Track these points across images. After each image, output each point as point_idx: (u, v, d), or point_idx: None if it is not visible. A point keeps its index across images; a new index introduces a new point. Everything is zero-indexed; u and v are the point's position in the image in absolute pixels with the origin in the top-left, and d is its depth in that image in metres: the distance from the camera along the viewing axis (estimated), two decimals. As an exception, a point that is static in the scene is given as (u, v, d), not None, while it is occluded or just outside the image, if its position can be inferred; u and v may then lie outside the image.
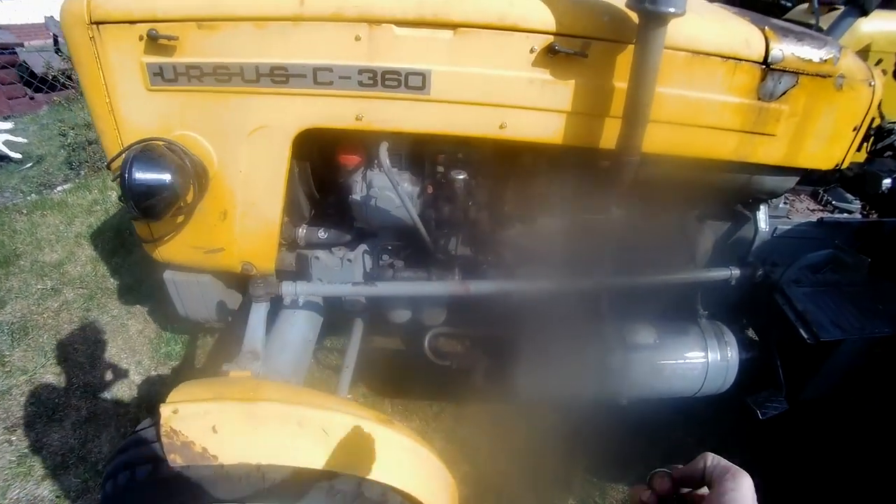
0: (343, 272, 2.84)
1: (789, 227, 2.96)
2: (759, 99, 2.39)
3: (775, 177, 2.67)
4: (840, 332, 2.67)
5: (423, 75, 2.20)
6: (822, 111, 2.48)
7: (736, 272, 2.81)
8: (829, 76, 2.40)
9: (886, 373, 2.89)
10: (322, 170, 2.70)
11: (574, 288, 2.68)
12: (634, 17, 2.10)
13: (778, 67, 2.33)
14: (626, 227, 2.78)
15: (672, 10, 1.93)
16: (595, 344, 2.78)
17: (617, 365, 2.76)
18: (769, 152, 2.54)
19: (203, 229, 2.51)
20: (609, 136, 2.35)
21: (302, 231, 2.81)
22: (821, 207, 3.16)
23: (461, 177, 2.52)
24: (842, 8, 3.12)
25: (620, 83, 2.25)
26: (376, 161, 2.56)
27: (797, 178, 2.70)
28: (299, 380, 2.69)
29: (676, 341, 2.83)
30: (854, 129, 2.56)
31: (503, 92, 2.25)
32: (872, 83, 2.50)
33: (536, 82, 2.23)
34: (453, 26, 2.14)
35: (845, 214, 3.07)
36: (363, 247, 2.85)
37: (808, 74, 2.38)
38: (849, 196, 3.14)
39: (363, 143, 2.55)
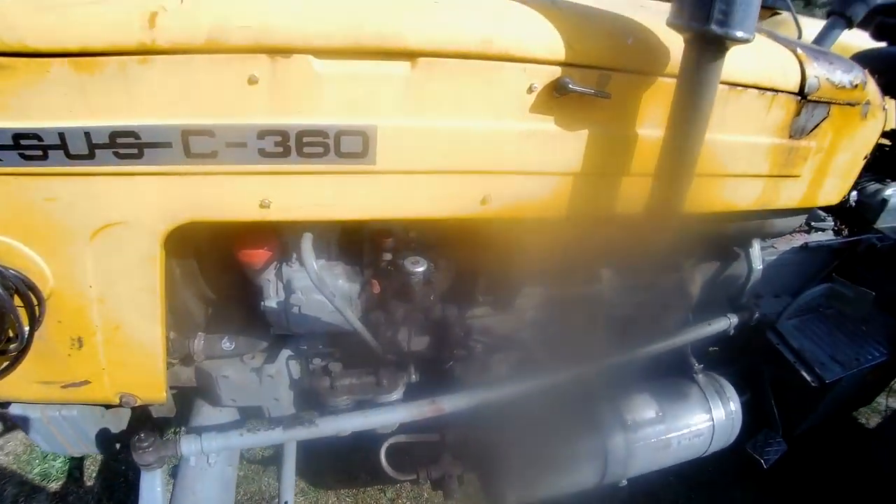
0: (263, 390, 1.82)
1: (775, 256, 2.35)
2: (790, 137, 1.72)
3: (786, 218, 2.01)
4: (841, 370, 2.19)
5: (364, 135, 1.24)
6: (845, 144, 1.86)
7: (734, 320, 2.17)
8: (857, 104, 1.78)
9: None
10: (217, 265, 1.66)
11: (568, 377, 1.87)
12: (668, 40, 1.33)
13: (813, 98, 1.65)
14: (616, 292, 1.99)
15: (740, 34, 1.19)
16: (592, 429, 2.01)
17: (620, 449, 2.02)
18: (791, 195, 1.87)
19: (53, 362, 1.52)
20: (630, 197, 1.53)
21: (198, 343, 1.75)
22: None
23: (419, 269, 1.59)
24: (781, 13, 2.71)
25: (648, 130, 1.42)
26: (295, 255, 1.56)
27: (805, 216, 2.05)
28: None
29: (679, 409, 2.13)
30: (864, 158, 1.98)
31: (487, 153, 1.34)
32: (885, 107, 1.92)
33: (536, 136, 1.34)
34: (410, 56, 1.20)
35: (821, 233, 2.50)
36: (286, 353, 1.84)
37: (838, 104, 1.74)
38: (821, 213, 2.57)
39: (274, 231, 1.54)
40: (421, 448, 2.02)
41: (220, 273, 1.70)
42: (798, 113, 1.65)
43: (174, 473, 1.76)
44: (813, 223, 2.47)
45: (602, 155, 1.44)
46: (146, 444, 1.48)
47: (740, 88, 1.52)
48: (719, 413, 2.16)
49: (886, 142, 2.62)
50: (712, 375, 2.25)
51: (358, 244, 1.69)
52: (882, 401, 2.94)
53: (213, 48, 1.12)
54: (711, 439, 2.16)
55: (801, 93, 1.62)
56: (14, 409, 1.73)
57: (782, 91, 1.59)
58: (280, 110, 1.20)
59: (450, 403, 1.70)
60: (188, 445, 1.52)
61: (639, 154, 1.47)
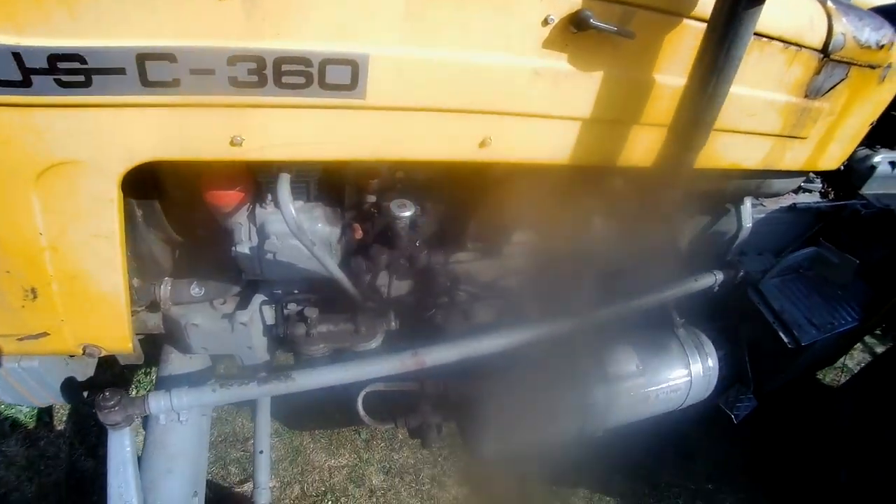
0: (235, 338, 1.68)
1: (763, 215, 2.27)
2: (805, 96, 1.59)
3: (784, 179, 1.92)
4: (817, 333, 2.17)
5: (354, 64, 1.06)
6: (857, 108, 1.75)
7: (720, 276, 2.11)
8: (878, 66, 1.64)
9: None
10: (183, 205, 1.48)
11: (555, 331, 1.79)
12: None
13: (835, 57, 1.52)
14: (607, 243, 1.89)
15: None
16: (574, 382, 1.97)
17: (600, 401, 1.98)
18: (795, 158, 1.77)
19: (6, 314, 1.38)
20: (641, 149, 1.40)
21: (165, 289, 1.59)
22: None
23: (406, 213, 1.44)
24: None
25: (669, 77, 1.27)
26: (270, 197, 1.40)
27: (803, 178, 1.97)
28: (200, 501, 1.66)
29: (659, 363, 2.09)
30: (871, 124, 1.86)
31: (491, 91, 1.17)
32: None
33: (547, 75, 1.17)
34: (409, -22, 1.00)
35: (808, 194, 2.43)
36: (259, 298, 1.70)
37: (859, 65, 1.61)
38: (811, 174, 2.48)
39: (247, 170, 1.36)
40: (399, 395, 1.96)
41: (187, 214, 1.52)
42: (818, 71, 1.52)
43: (145, 425, 1.66)
44: (802, 184, 2.41)
45: (617, 101, 1.28)
46: (112, 402, 1.34)
47: (765, 40, 1.37)
48: (697, 368, 2.14)
49: None
50: (693, 330, 2.21)
51: (340, 184, 1.51)
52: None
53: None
54: (688, 394, 2.15)
55: (825, 50, 1.48)
56: (-32, 363, 1.59)
57: (806, 47, 1.45)
58: (256, 32, 0.99)
59: (432, 356, 1.60)
60: (157, 403, 1.39)
61: (656, 103, 1.32)
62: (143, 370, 2.59)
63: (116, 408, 1.35)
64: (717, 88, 1.22)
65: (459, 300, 1.81)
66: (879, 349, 3.15)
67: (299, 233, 1.28)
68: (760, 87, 1.51)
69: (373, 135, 1.18)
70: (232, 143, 1.12)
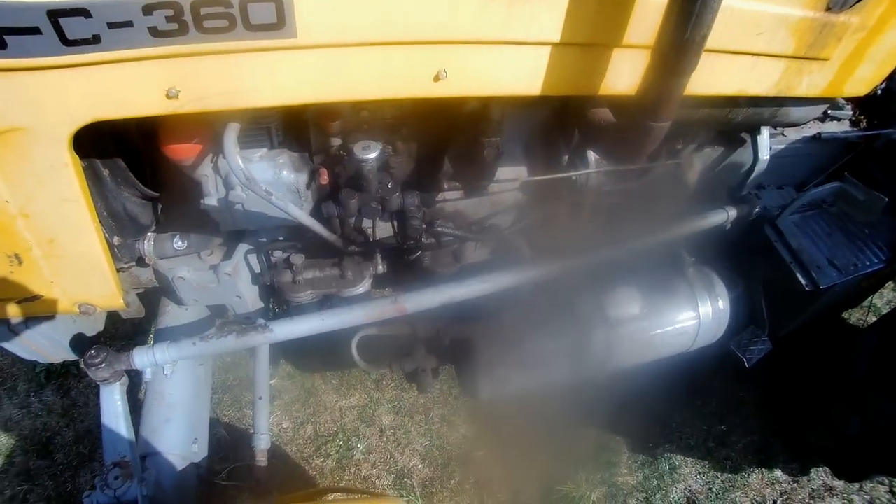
0: (224, 289, 1.68)
1: (783, 146, 2.05)
2: (827, 9, 1.34)
3: (804, 107, 1.70)
4: (837, 275, 1.97)
5: (279, 0, 0.96)
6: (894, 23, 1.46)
7: (733, 213, 1.93)
8: None
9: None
10: (150, 160, 1.44)
11: (551, 272, 1.71)
12: None
13: None
14: (603, 177, 1.75)
15: None
16: (573, 324, 1.89)
17: (600, 345, 1.90)
18: (814, 82, 1.53)
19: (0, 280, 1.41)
20: (620, 76, 1.25)
21: (147, 244, 1.59)
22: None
23: (371, 155, 1.36)
24: None
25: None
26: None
27: (826, 106, 1.75)
28: (202, 447, 1.72)
29: (665, 305, 1.98)
30: None
31: (438, 18, 1.05)
32: None
33: (500, -3, 1.03)
34: None
35: (836, 122, 2.17)
36: (243, 248, 1.68)
37: None
38: (840, 100, 2.20)
39: (203, 120, 1.30)
40: (394, 340, 1.95)
41: (157, 169, 1.50)
42: None
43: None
44: (829, 111, 2.14)
45: (587, 21, 1.13)
46: (98, 360, 1.37)
47: None
48: (706, 310, 2.00)
49: None
50: (703, 270, 2.06)
51: (303, 128, 1.44)
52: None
53: None
54: (696, 337, 2.02)
55: None
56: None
57: (831, -54, 1.22)
58: (166, -27, 0.92)
59: (413, 302, 1.55)
60: (141, 358, 1.40)
61: (636, 21, 1.16)
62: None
63: (103, 365, 1.38)
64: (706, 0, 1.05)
65: (445, 243, 1.74)
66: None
67: (250, 183, 1.23)
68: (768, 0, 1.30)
69: (312, 76, 1.09)
70: (168, 97, 1.06)
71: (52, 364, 2.53)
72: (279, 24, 0.98)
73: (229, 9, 0.95)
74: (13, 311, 1.52)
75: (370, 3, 1.00)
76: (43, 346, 1.78)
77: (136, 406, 1.62)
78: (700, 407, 2.60)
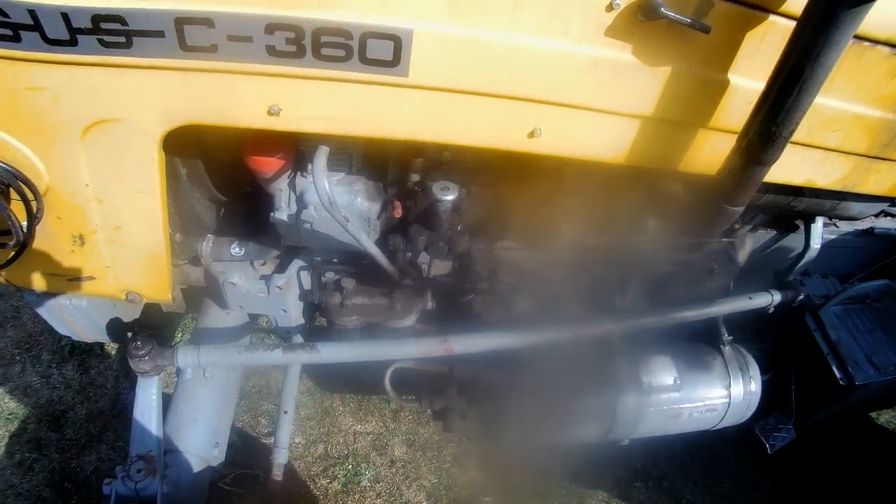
0: (271, 301, 1.67)
1: (835, 236, 2.02)
2: None
3: (865, 203, 1.69)
4: (875, 373, 1.92)
5: (397, 39, 0.97)
6: None
7: (777, 297, 1.88)
8: None
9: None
10: (228, 167, 1.45)
11: (593, 333, 1.67)
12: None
13: None
14: (659, 247, 1.73)
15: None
16: (606, 386, 1.85)
17: (630, 410, 1.85)
18: (880, 182, 1.53)
19: (57, 256, 1.42)
20: (702, 156, 1.25)
21: (206, 245, 1.59)
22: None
23: (449, 197, 1.35)
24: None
25: (744, 79, 1.11)
26: (310, 166, 1.34)
27: (888, 203, 1.73)
28: (222, 452, 1.68)
29: (699, 381, 1.92)
30: None
31: (545, 78, 1.05)
32: None
33: (604, 66, 1.04)
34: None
35: (890, 219, 2.13)
36: (297, 264, 1.67)
37: None
38: None
39: (290, 137, 1.30)
40: (428, 375, 1.91)
41: (231, 176, 1.50)
42: None
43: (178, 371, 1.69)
44: (886, 207, 2.12)
45: (682, 100, 1.13)
46: (142, 352, 1.34)
47: (867, 44, 1.15)
48: (738, 391, 1.95)
49: None
50: (739, 350, 2.01)
51: (384, 159, 1.44)
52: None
53: None
54: (724, 415, 1.96)
55: None
56: (28, 295, 1.65)
57: (918, 54, 1.22)
58: (296, 0, 0.92)
59: (461, 345, 1.52)
60: (185, 358, 1.38)
61: (726, 107, 1.16)
62: (190, 316, 2.66)
63: (146, 357, 1.36)
64: (799, 98, 1.03)
65: (499, 290, 1.72)
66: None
67: (332, 208, 1.22)
68: (851, 98, 1.28)
69: (414, 115, 1.09)
70: (269, 113, 1.07)
71: (80, 341, 2.53)
72: (394, 62, 0.99)
73: (349, 40, 0.96)
74: (63, 287, 1.52)
75: (483, 55, 1.01)
76: (80, 324, 1.77)
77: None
78: (713, 486, 2.50)
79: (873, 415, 2.75)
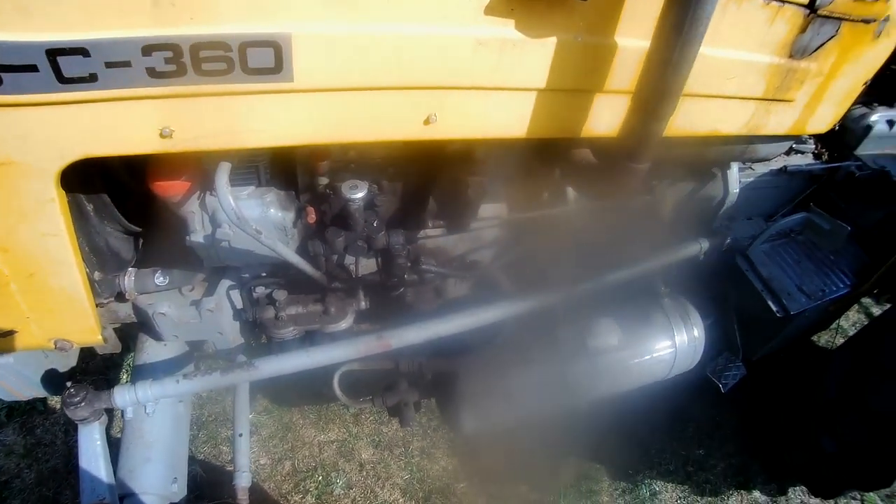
0: (205, 326, 1.67)
1: (752, 178, 2.16)
2: (790, 56, 1.46)
3: (771, 144, 1.82)
4: (806, 301, 2.08)
5: (276, 45, 0.99)
6: (849, 67, 1.60)
7: (706, 244, 2.01)
8: (873, 21, 1.48)
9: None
10: (135, 195, 1.43)
11: (531, 307, 1.74)
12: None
13: (824, 13, 1.38)
14: (582, 213, 1.81)
15: None
16: (552, 356, 1.93)
17: (580, 376, 1.94)
18: (781, 122, 1.64)
19: None
20: (602, 120, 1.32)
21: (128, 279, 1.57)
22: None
23: (358, 195, 1.39)
24: None
25: (630, 40, 1.18)
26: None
27: (792, 142, 1.86)
28: (182, 486, 1.67)
29: (642, 335, 2.02)
30: (864, 83, 1.71)
31: (430, 65, 1.09)
32: None
33: (490, 44, 1.09)
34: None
35: (800, 156, 2.30)
36: (226, 283, 1.67)
37: (851, 20, 1.45)
38: (803, 135, 2.35)
39: (192, 158, 1.29)
40: (376, 374, 1.94)
41: (141, 205, 1.48)
42: (803, 29, 1.39)
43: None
44: (794, 145, 2.28)
45: (572, 69, 1.19)
46: (77, 398, 1.34)
47: None
48: (682, 339, 2.06)
49: None
50: (678, 299, 2.13)
51: (291, 167, 1.46)
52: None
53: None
54: (673, 365, 2.07)
55: (811, 5, 1.34)
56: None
57: (789, 2, 1.31)
58: (167, 18, 0.93)
59: (397, 338, 1.55)
60: (122, 397, 1.38)
61: (617, 69, 1.23)
62: (131, 355, 2.61)
63: (82, 403, 1.35)
64: (683, 52, 1.11)
65: (428, 279, 1.77)
66: (875, 310, 3.07)
67: (240, 223, 1.24)
68: (738, 47, 1.39)
69: (308, 119, 1.11)
70: (162, 136, 1.07)
71: (16, 401, 2.43)
72: (277, 68, 1.01)
73: (228, 52, 0.97)
74: (-17, 345, 1.48)
75: (365, 50, 1.04)
76: (12, 382, 1.71)
77: (111, 444, 1.57)
78: (678, 432, 2.66)
79: (814, 338, 2.98)
